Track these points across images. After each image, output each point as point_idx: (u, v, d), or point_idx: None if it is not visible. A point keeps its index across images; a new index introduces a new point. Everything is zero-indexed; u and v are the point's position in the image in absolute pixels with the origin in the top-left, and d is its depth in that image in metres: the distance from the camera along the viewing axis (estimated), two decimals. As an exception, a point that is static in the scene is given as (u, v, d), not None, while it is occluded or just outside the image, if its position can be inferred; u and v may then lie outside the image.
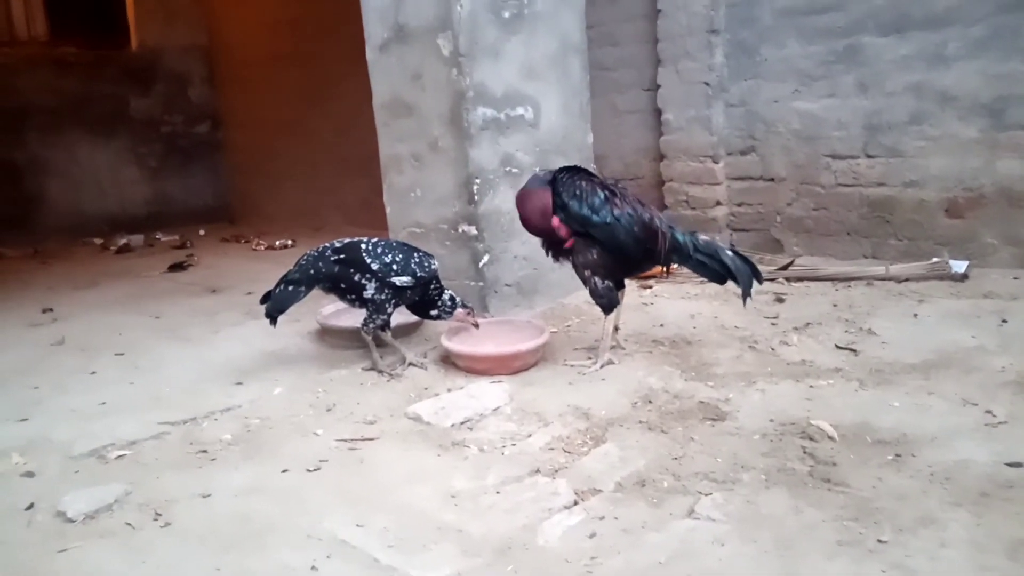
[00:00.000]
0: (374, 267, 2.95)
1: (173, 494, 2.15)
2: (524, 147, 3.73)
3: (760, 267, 2.95)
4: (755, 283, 2.87)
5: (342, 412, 2.71)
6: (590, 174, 2.97)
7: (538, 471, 2.17)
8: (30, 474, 2.35)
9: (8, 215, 7.41)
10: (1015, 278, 3.69)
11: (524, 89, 3.71)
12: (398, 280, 2.95)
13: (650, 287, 4.12)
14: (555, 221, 2.86)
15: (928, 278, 3.77)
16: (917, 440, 2.18)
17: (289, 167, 7.67)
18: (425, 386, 2.90)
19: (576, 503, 1.99)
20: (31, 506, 2.13)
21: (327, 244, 3.08)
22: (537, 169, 3.23)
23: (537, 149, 3.78)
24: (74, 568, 1.84)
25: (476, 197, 3.57)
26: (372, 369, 3.07)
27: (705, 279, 3.02)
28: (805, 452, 2.16)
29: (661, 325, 3.45)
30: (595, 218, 2.81)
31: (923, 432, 2.22)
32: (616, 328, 3.09)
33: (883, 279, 3.85)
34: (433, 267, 3.04)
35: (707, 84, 4.73)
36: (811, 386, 2.64)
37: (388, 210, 4.03)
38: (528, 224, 2.98)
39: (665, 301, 3.86)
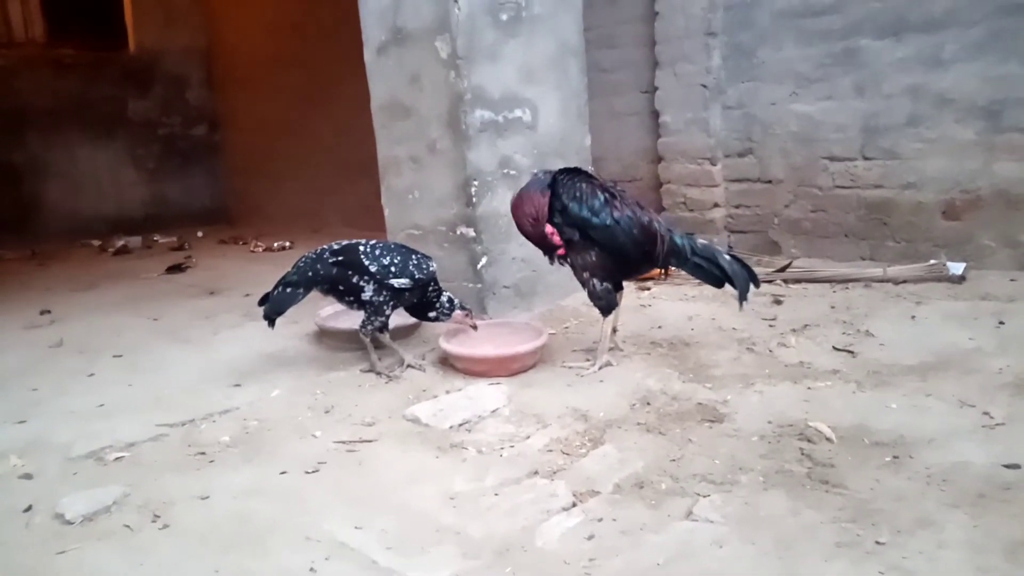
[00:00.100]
0: (372, 269, 2.95)
1: (172, 496, 2.15)
2: (522, 149, 3.73)
3: (758, 269, 2.95)
4: (752, 288, 2.88)
5: (341, 414, 2.71)
6: (590, 176, 2.97)
7: (537, 473, 2.17)
8: (28, 476, 2.35)
9: (6, 217, 7.41)
10: (1012, 280, 3.69)
11: (522, 91, 3.71)
12: (396, 282, 2.95)
13: (648, 289, 4.12)
14: (548, 228, 2.86)
15: (926, 280, 3.78)
16: (915, 442, 2.18)
17: (287, 169, 7.67)
18: (423, 388, 2.90)
19: (575, 505, 1.99)
20: (30, 508, 2.13)
21: (325, 246, 3.08)
22: (536, 171, 3.23)
23: (535, 151, 3.78)
24: (73, 570, 1.84)
25: (474, 199, 3.58)
26: (370, 371, 3.08)
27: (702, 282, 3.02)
28: (803, 454, 2.16)
29: (659, 327, 3.46)
30: (595, 220, 2.81)
31: (921, 434, 2.23)
32: (614, 330, 3.10)
33: (881, 281, 3.86)
34: (431, 269, 3.04)
35: (705, 86, 4.73)
36: (809, 388, 2.64)
37: (386, 212, 4.03)
38: (521, 231, 2.98)
39: (663, 303, 3.87)
